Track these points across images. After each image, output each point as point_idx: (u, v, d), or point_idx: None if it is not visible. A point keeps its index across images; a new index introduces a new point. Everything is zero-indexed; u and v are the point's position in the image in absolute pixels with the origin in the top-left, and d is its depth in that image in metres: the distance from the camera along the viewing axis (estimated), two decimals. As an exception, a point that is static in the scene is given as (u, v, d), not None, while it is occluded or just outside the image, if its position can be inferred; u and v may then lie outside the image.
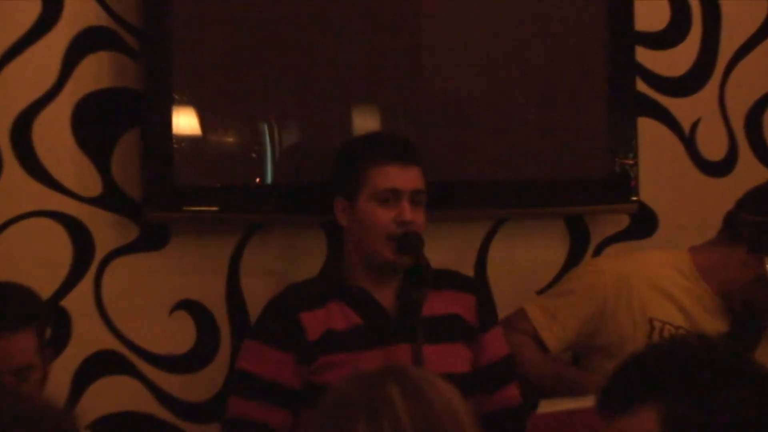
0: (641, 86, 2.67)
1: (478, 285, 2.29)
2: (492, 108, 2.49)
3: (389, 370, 1.26)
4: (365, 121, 2.44)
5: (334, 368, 2.09)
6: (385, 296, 2.13)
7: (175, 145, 2.29)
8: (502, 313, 2.38)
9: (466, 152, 2.47)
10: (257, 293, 2.39)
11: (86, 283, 2.35)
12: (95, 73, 2.33)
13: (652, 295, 2.34)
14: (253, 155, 2.37)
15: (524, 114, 2.51)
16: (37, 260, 2.30)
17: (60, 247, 2.33)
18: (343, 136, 2.35)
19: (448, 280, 2.20)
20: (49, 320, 2.14)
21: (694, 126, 2.73)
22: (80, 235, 2.35)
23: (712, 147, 2.73)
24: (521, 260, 2.60)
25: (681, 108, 2.71)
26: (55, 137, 2.32)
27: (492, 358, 2.19)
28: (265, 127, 2.36)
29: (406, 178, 2.11)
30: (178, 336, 2.40)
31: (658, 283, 2.35)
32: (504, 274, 2.55)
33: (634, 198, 2.59)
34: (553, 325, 2.35)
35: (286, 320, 2.08)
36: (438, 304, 2.14)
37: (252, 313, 2.39)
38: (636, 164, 2.57)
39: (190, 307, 2.41)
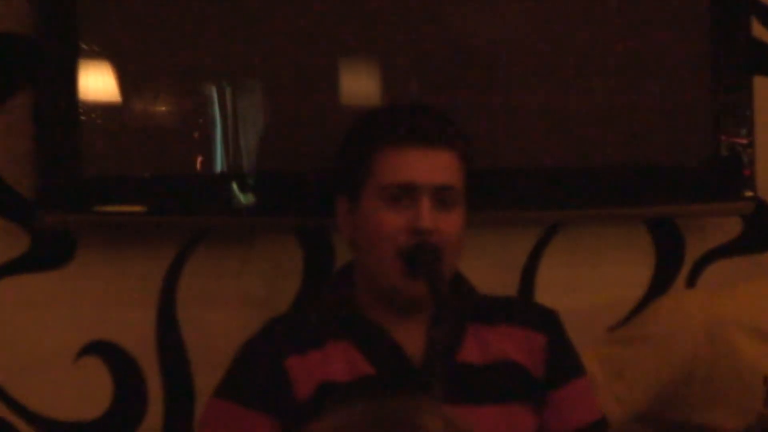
0: (758, 30, 2.41)
1: (551, 318, 2.04)
2: (546, 67, 2.27)
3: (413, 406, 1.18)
4: (360, 84, 2.23)
5: None
6: (410, 335, 1.91)
7: (83, 117, 2.09)
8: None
9: (507, 130, 2.26)
10: (203, 331, 2.22)
11: (-48, 318, 2.25)
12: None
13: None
14: (196, 133, 2.15)
15: (591, 75, 2.28)
16: None
17: None
18: (326, 106, 2.17)
19: (506, 310, 2.00)
20: None
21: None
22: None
23: None
24: (584, 284, 2.38)
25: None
26: None
27: (573, 425, 1.99)
28: (215, 92, 2.15)
29: (428, 166, 1.88)
30: (87, 393, 2.20)
31: None
32: (558, 304, 2.21)
33: (749, 193, 2.35)
34: (617, 386, 2.15)
35: (267, 369, 1.89)
36: (487, 346, 1.96)
37: (195, 360, 2.20)
38: (751, 144, 2.33)
39: (105, 351, 2.21)
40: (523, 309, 2.04)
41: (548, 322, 2.02)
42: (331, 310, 1.96)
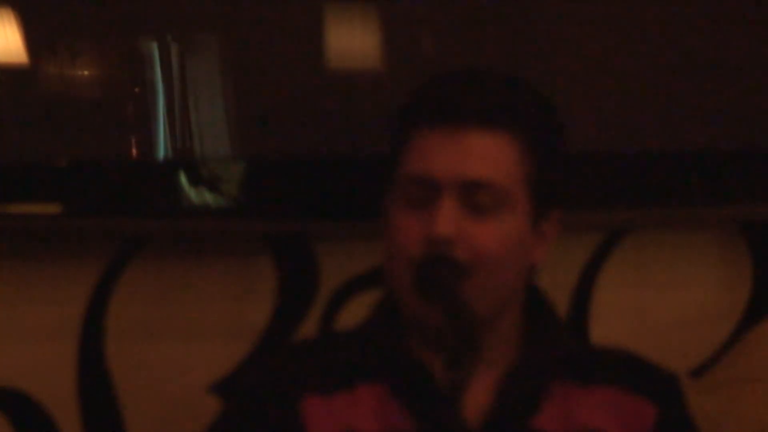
0: None
1: (670, 385, 1.78)
2: (613, 42, 2.08)
3: None
4: (348, 38, 2.00)
5: None
6: (473, 390, 1.63)
7: None
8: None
9: (568, 112, 1.92)
10: (139, 371, 1.96)
11: None
12: None
13: None
14: (130, 107, 1.93)
15: (668, 49, 2.09)
16: None
17: None
18: (309, 63, 1.95)
19: (608, 367, 1.77)
20: None
21: None
22: None
23: None
24: (657, 306, 2.16)
25: None
26: None
27: None
28: (154, 52, 1.93)
29: (454, 155, 1.65)
30: None
31: None
32: (623, 331, 2.13)
33: None
34: None
35: (277, 408, 1.70)
36: (571, 412, 1.73)
37: (130, 413, 1.95)
38: None
39: (8, 401, 1.95)
40: (632, 368, 1.79)
41: (665, 390, 1.79)
42: (371, 344, 1.78)
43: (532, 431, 1.70)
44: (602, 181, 2.09)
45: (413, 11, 2.13)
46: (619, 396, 1.76)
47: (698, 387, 2.08)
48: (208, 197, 1.97)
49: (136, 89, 1.92)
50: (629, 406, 1.76)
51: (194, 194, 1.99)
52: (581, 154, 2.01)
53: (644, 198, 2.11)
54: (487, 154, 1.67)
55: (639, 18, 2.12)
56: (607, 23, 2.18)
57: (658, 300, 2.17)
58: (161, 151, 1.94)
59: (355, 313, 1.99)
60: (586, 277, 2.16)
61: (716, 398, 2.08)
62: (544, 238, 1.72)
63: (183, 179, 1.94)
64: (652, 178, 2.11)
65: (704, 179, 2.12)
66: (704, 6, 2.21)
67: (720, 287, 2.20)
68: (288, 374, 1.76)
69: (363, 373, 1.76)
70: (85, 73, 1.92)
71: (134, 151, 1.94)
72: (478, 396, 1.71)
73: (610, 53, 2.12)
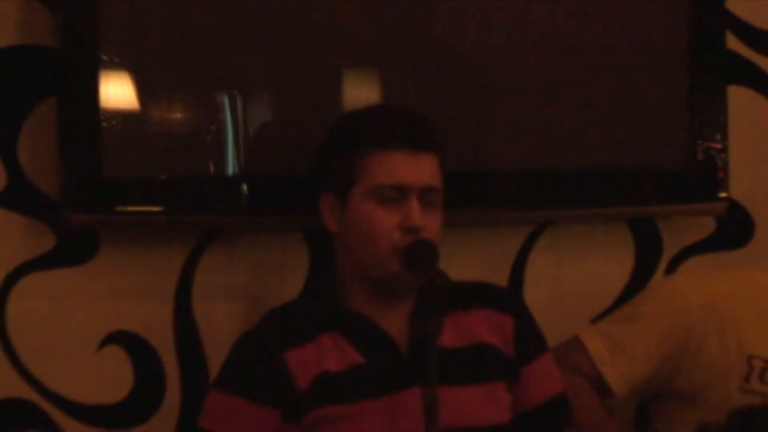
0: (732, 43, 2.59)
1: (516, 300, 2.20)
2: (535, 75, 2.41)
3: None
4: (360, 92, 2.37)
5: (329, 425, 2.01)
6: (394, 324, 2.04)
7: (104, 123, 2.21)
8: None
9: (497, 134, 2.40)
10: (216, 322, 2.35)
11: (-14, 310, 2.29)
12: (-2, 25, 2.28)
13: (754, 326, 2.28)
14: (209, 138, 2.28)
15: (576, 84, 2.44)
16: None
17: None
18: (329, 111, 2.28)
19: (477, 295, 2.13)
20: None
21: (804, 97, 2.70)
22: (-24, 245, 2.29)
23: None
24: (570, 278, 2.53)
25: (786, 72, 2.67)
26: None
27: (540, 398, 2.12)
28: (226, 100, 2.29)
29: (415, 170, 2.02)
30: (109, 379, 2.32)
31: (762, 311, 2.28)
32: (547, 296, 2.48)
33: (723, 194, 2.53)
34: (619, 360, 2.28)
35: (267, 362, 1.99)
36: (463, 330, 2.08)
37: (209, 349, 2.33)
38: (725, 149, 2.50)
39: (126, 340, 2.33)
40: (490, 292, 2.15)
41: (514, 303, 2.16)
42: (320, 302, 2.07)
43: (440, 348, 1.94)
44: (532, 189, 2.41)
45: (398, 75, 2.35)
46: (491, 314, 2.10)
47: (613, 319, 2.33)
48: (260, 199, 2.28)
49: (213, 126, 2.26)
50: (497, 320, 2.10)
51: (251, 198, 2.29)
52: (520, 169, 2.40)
53: (560, 202, 2.44)
54: (433, 168, 2.04)
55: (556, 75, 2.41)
56: (533, 80, 2.41)
57: (570, 274, 2.53)
58: (230, 169, 2.28)
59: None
60: (521, 257, 2.52)
61: (625, 327, 2.30)
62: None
63: (243, 187, 2.29)
64: (567, 186, 2.43)
65: (601, 189, 2.45)
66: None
67: (612, 263, 2.56)
68: (271, 335, 2.03)
69: (322, 326, 2.03)
70: (179, 115, 2.27)
71: (211, 168, 2.27)
72: (400, 329, 2.04)
73: (540, 98, 2.41)
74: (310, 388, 1.98)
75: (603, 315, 2.48)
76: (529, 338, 2.12)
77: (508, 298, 2.19)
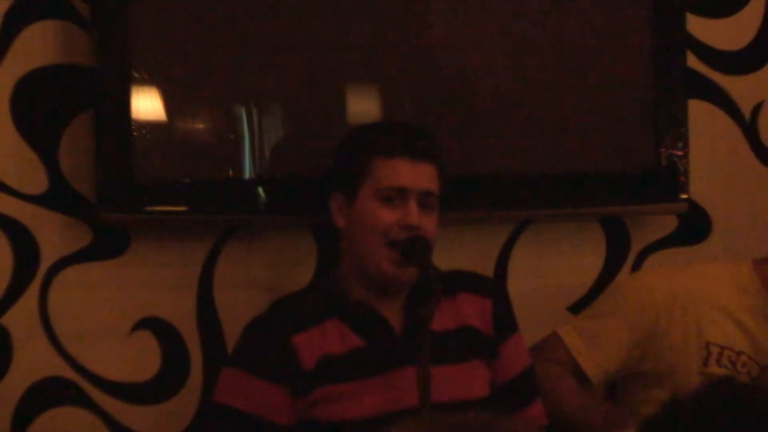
0: (693, 62, 2.67)
1: (493, 285, 2.29)
2: (514, 90, 2.48)
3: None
4: (362, 105, 2.44)
5: (332, 402, 2.07)
6: (391, 312, 2.12)
7: (135, 133, 2.28)
8: (526, 332, 2.35)
9: (483, 143, 2.47)
10: (234, 309, 2.40)
11: (29, 298, 2.34)
12: (39, 46, 2.31)
13: (710, 315, 2.36)
14: (229, 146, 2.35)
15: (552, 97, 2.50)
16: (-30, 271, 2.31)
17: (-3, 255, 2.33)
18: (336, 123, 2.35)
19: (462, 282, 2.19)
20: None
21: (756, 110, 2.74)
22: (22, 241, 2.34)
23: (779, 135, 2.75)
24: (548, 270, 2.61)
25: (740, 88, 2.71)
26: (-10, 123, 2.32)
27: (513, 372, 2.19)
28: (244, 112, 2.35)
29: (416, 175, 2.10)
30: (139, 360, 2.39)
31: (717, 302, 2.37)
32: (527, 287, 2.55)
33: (684, 196, 2.60)
34: (594, 352, 2.36)
35: (277, 344, 2.06)
36: (450, 314, 2.14)
37: (228, 333, 2.40)
38: (686, 156, 2.58)
39: (155, 325, 2.40)
40: (472, 279, 2.23)
41: (492, 288, 2.23)
42: (324, 292, 2.13)
43: (432, 332, 2.03)
44: (514, 191, 2.49)
45: (396, 91, 2.40)
46: (474, 298, 2.16)
47: (586, 316, 2.45)
48: (274, 200, 2.36)
49: (232, 135, 2.34)
50: (478, 303, 2.16)
51: (266, 199, 2.36)
52: (503, 173, 2.46)
53: (539, 202, 2.52)
54: (431, 176, 2.12)
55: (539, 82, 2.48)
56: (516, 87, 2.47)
57: (549, 267, 2.61)
58: (247, 173, 2.36)
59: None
60: (504, 252, 2.59)
61: (597, 323, 2.38)
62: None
63: (259, 190, 2.36)
64: (545, 189, 2.51)
65: (575, 191, 2.53)
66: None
67: (585, 258, 2.64)
68: (280, 320, 2.09)
69: (325, 312, 2.09)
70: (201, 125, 2.36)
71: (231, 173, 2.35)
72: (397, 315, 2.10)
73: (520, 110, 2.49)
74: (315, 369, 2.06)
75: (578, 303, 2.58)
76: (504, 318, 2.19)
77: (488, 282, 2.28)
